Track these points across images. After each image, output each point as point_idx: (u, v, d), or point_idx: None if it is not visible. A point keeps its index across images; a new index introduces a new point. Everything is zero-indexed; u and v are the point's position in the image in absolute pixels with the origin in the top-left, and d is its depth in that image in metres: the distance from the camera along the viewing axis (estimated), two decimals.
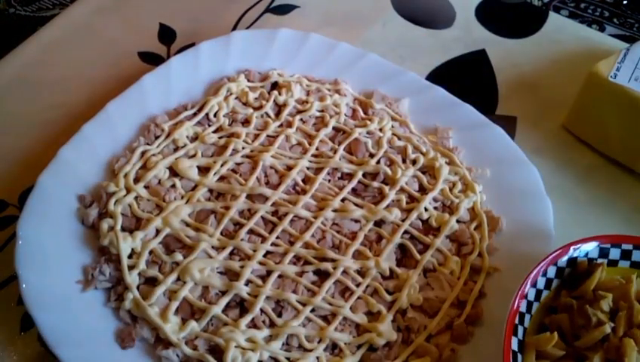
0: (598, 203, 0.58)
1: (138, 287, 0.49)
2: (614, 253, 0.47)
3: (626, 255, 0.47)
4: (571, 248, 0.46)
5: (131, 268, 0.49)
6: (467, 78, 0.67)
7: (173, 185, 0.54)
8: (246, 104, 0.60)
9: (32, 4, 0.97)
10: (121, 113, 0.58)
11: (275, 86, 0.62)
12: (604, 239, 0.47)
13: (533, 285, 0.44)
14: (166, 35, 0.70)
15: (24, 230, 0.49)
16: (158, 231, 0.51)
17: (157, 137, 0.57)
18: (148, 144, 0.57)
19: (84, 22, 0.71)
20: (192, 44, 0.66)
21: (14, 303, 0.50)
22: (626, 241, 0.47)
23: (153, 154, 0.56)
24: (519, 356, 0.42)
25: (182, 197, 0.53)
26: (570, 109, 0.61)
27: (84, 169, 0.54)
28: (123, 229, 0.51)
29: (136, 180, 0.54)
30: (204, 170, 0.55)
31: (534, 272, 0.44)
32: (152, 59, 0.68)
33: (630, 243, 0.47)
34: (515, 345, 0.42)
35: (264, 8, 0.73)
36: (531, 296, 0.44)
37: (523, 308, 0.43)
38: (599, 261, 0.47)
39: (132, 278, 0.49)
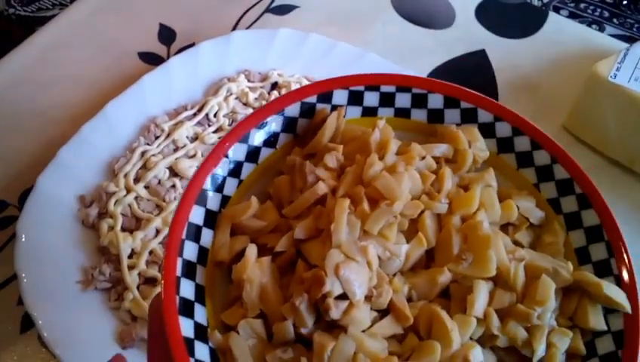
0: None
1: (138, 287, 0.49)
2: (371, 99, 0.35)
3: (387, 99, 0.36)
4: (304, 94, 0.35)
5: (131, 268, 0.49)
6: (467, 78, 0.67)
7: (173, 186, 0.54)
8: (246, 104, 0.60)
9: (31, 4, 0.97)
10: (121, 113, 0.58)
11: (275, 86, 0.62)
12: (355, 80, 0.35)
13: (243, 140, 0.33)
14: (166, 35, 0.70)
15: (24, 230, 0.49)
16: (158, 231, 0.51)
17: (157, 137, 0.57)
18: (148, 144, 0.57)
19: (84, 22, 0.71)
20: (192, 44, 0.66)
21: (14, 303, 0.50)
22: (386, 82, 0.35)
23: (153, 155, 0.55)
24: (205, 230, 0.32)
25: None
26: (570, 109, 0.61)
27: (83, 169, 0.54)
28: (123, 229, 0.51)
29: (137, 180, 0.54)
30: None
31: (240, 122, 0.33)
32: (152, 59, 0.68)
33: (391, 83, 0.35)
34: (199, 218, 0.31)
35: (264, 8, 0.73)
36: (239, 155, 0.34)
37: (222, 171, 0.33)
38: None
39: (132, 278, 0.49)
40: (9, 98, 0.64)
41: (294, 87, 0.60)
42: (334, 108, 0.35)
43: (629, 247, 0.44)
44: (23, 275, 0.47)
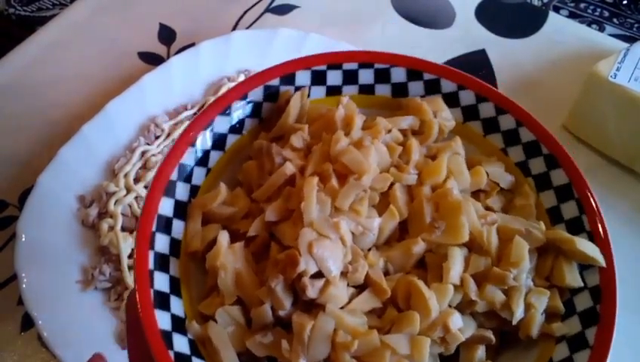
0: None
1: None
2: (334, 77, 0.35)
3: (350, 77, 0.36)
4: (267, 77, 0.34)
5: (131, 268, 0.49)
6: None
7: None
8: None
9: (31, 4, 0.97)
10: (121, 113, 0.58)
11: None
12: (317, 59, 0.35)
13: (208, 128, 0.33)
14: (166, 35, 0.70)
15: (24, 230, 0.49)
16: None
17: (157, 137, 0.57)
18: (148, 144, 0.57)
19: (84, 22, 0.71)
20: (192, 44, 0.66)
21: (14, 303, 0.50)
22: (348, 59, 0.35)
23: (153, 155, 0.55)
24: (176, 221, 0.31)
25: None
26: (570, 109, 0.61)
27: (83, 169, 0.54)
28: (123, 229, 0.51)
29: (137, 180, 0.54)
30: None
31: (204, 111, 0.33)
32: (152, 59, 0.68)
33: (353, 61, 0.35)
34: (169, 210, 0.31)
35: (264, 8, 0.73)
36: (205, 144, 0.33)
37: (189, 161, 0.32)
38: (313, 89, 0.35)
39: (132, 278, 0.49)
40: (9, 97, 0.64)
41: None
42: (298, 89, 0.35)
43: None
44: (23, 275, 0.47)
